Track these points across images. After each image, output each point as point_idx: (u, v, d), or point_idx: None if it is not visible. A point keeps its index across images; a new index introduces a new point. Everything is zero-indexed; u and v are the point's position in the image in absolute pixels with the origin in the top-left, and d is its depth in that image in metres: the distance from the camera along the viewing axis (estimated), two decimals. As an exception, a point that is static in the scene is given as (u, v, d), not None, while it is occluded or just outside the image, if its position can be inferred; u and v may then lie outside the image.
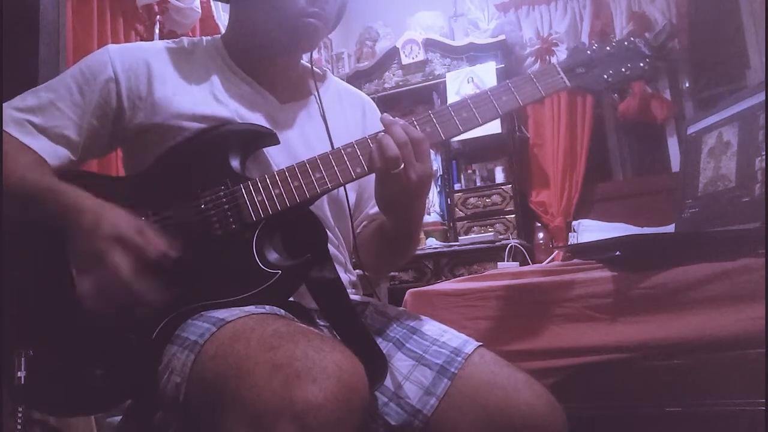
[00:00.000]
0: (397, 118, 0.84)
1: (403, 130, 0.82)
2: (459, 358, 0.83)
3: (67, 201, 0.78)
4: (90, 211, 0.77)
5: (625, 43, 0.92)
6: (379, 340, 0.88)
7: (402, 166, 0.80)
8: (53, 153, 0.85)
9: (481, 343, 0.87)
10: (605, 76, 0.91)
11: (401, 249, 1.01)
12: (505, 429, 0.78)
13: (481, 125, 0.87)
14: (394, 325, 0.92)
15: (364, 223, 1.07)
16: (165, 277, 0.77)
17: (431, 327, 0.91)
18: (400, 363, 0.86)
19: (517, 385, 0.80)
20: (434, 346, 0.86)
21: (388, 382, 0.83)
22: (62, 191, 0.79)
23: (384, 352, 0.84)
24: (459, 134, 0.87)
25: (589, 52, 0.92)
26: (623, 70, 0.91)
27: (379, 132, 0.83)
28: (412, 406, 0.81)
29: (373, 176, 0.85)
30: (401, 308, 1.01)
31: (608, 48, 0.92)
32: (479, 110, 0.86)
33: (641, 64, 0.91)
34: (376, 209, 1.04)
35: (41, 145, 0.84)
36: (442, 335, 0.88)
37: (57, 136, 0.86)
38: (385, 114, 0.85)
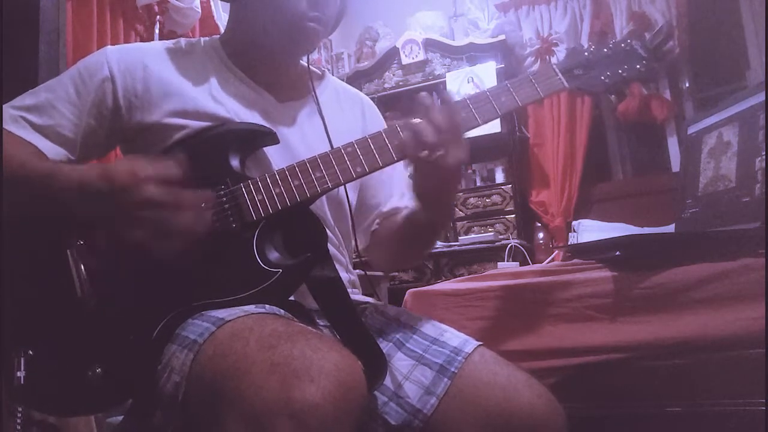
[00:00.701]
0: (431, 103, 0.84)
1: (439, 114, 0.82)
2: (459, 358, 0.83)
3: (71, 178, 0.77)
4: (96, 177, 0.76)
5: (622, 44, 0.93)
6: (379, 340, 0.88)
7: (441, 151, 0.80)
8: (51, 151, 0.86)
9: (481, 343, 0.87)
10: (603, 78, 0.92)
11: (429, 240, 1.02)
12: (505, 428, 0.78)
13: (480, 125, 0.88)
14: (394, 325, 0.92)
15: (378, 221, 1.06)
16: (166, 276, 0.78)
17: (431, 326, 0.91)
18: (400, 363, 0.86)
19: (518, 384, 0.80)
20: (434, 346, 0.86)
21: (387, 381, 0.83)
22: (63, 170, 0.79)
23: (384, 351, 0.84)
24: None
25: (586, 53, 0.93)
26: (620, 71, 0.92)
27: (413, 119, 0.83)
28: (412, 405, 0.81)
29: (376, 174, 0.85)
30: (401, 308, 1.01)
31: (605, 50, 0.93)
32: (478, 111, 0.87)
33: (638, 66, 0.92)
34: (390, 207, 1.05)
35: (37, 142, 0.85)
36: (442, 335, 0.88)
37: (54, 135, 0.86)
38: (422, 95, 0.85)
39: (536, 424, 0.78)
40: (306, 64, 1.01)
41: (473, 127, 0.87)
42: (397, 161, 0.86)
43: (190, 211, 0.75)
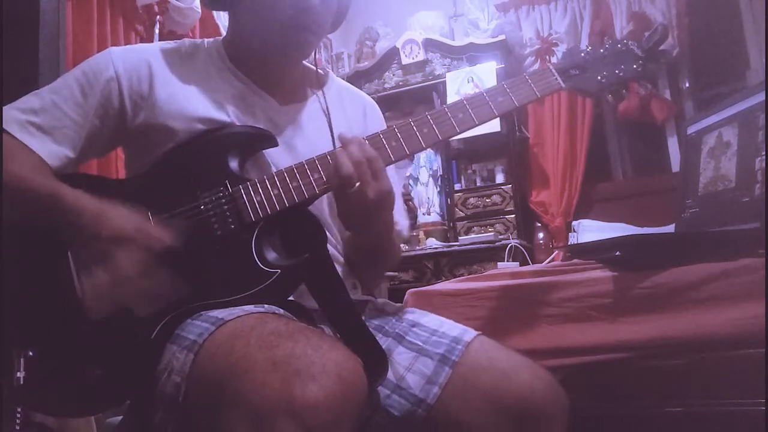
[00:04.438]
0: (354, 136, 0.84)
1: (359, 148, 0.82)
2: (459, 346, 0.84)
3: (67, 205, 0.79)
4: (89, 214, 0.78)
5: (619, 45, 0.94)
6: (379, 337, 0.88)
7: (357, 184, 0.80)
8: (53, 153, 0.85)
9: (480, 332, 0.88)
10: (599, 78, 0.92)
11: (375, 262, 1.00)
12: (506, 410, 0.78)
13: (477, 126, 0.88)
14: (393, 321, 0.93)
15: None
16: (166, 277, 0.78)
17: (430, 319, 0.92)
18: (400, 356, 0.86)
19: (517, 368, 0.81)
20: (434, 337, 0.87)
21: (389, 374, 0.84)
22: (62, 195, 0.79)
23: (384, 347, 0.84)
24: (456, 135, 0.88)
25: (583, 54, 0.93)
26: (617, 71, 0.92)
27: (336, 149, 0.84)
28: (415, 395, 0.82)
29: None
30: (400, 304, 1.02)
31: (602, 50, 0.93)
32: (475, 111, 0.87)
33: (634, 66, 0.92)
34: None
35: (42, 146, 0.85)
36: (441, 326, 0.89)
37: (58, 136, 0.86)
38: (341, 132, 0.86)
39: (537, 404, 0.78)
40: (309, 66, 1.02)
41: (470, 128, 0.88)
42: (395, 161, 0.86)
43: (147, 293, 0.77)
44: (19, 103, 0.88)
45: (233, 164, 0.86)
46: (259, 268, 0.80)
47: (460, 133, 0.87)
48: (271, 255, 0.82)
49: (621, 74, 0.92)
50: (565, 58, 0.95)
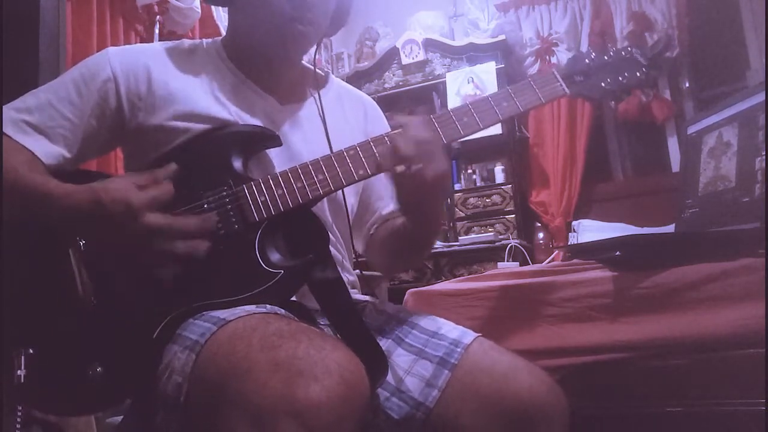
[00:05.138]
0: (411, 117, 0.85)
1: (417, 129, 0.82)
2: (459, 349, 0.84)
3: (59, 201, 0.77)
4: (85, 201, 0.76)
5: (623, 52, 0.95)
6: (379, 338, 0.88)
7: (419, 165, 0.80)
8: (48, 152, 0.85)
9: (479, 334, 0.88)
10: (603, 84, 0.93)
11: (419, 249, 1.01)
12: (506, 413, 0.78)
13: (482, 129, 0.88)
14: (393, 322, 0.93)
15: (376, 225, 1.07)
16: (168, 276, 0.78)
17: (430, 321, 0.92)
18: (400, 358, 0.86)
19: (517, 370, 0.81)
20: (433, 339, 0.87)
21: (389, 377, 0.84)
22: (51, 192, 0.78)
23: (384, 349, 0.84)
24: (460, 138, 0.88)
25: (587, 60, 0.94)
26: (620, 78, 0.93)
27: (393, 131, 0.84)
28: (414, 399, 0.82)
29: (379, 177, 0.85)
30: (399, 305, 1.02)
31: (606, 57, 0.94)
32: (480, 115, 0.88)
33: (638, 73, 0.93)
34: (389, 209, 1.05)
35: (37, 145, 0.85)
36: (440, 328, 0.89)
37: (53, 135, 0.86)
38: (399, 115, 0.86)
39: (535, 407, 0.78)
40: (308, 66, 1.02)
41: (475, 132, 0.88)
42: None
43: (190, 236, 0.77)
44: (16, 102, 0.88)
45: (237, 164, 0.86)
46: (262, 268, 0.80)
47: (464, 136, 0.88)
48: (274, 255, 0.82)
49: (624, 81, 0.93)
50: (569, 64, 0.95)
